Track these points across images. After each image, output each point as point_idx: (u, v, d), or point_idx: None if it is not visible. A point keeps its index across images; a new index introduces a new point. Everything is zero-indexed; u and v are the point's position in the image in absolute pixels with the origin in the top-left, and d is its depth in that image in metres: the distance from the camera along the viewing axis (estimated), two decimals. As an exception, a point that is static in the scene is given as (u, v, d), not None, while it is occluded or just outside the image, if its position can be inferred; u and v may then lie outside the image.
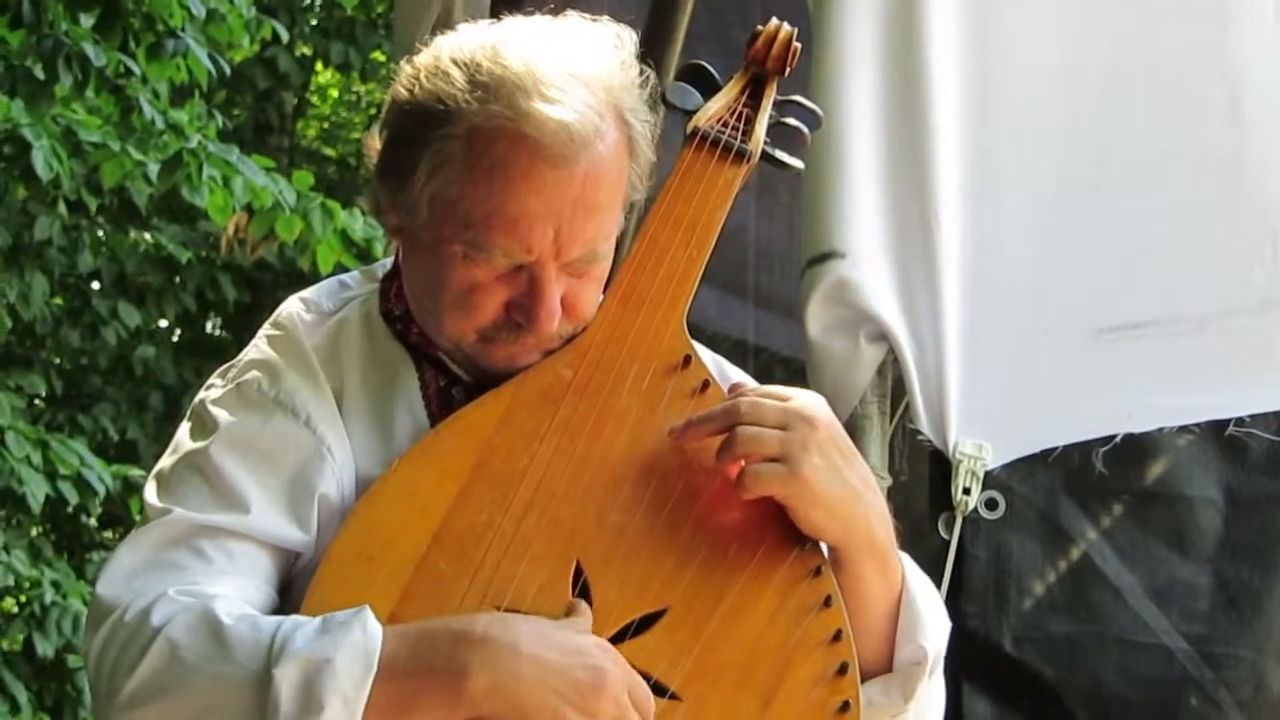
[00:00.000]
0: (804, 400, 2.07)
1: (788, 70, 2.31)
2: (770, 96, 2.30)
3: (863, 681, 2.06)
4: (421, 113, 2.08)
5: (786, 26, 2.31)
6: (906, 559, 2.16)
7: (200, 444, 2.09)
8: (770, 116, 2.29)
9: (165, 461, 2.13)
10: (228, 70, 7.10)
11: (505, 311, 2.09)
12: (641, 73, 2.15)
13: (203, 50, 6.55)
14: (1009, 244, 3.18)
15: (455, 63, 2.07)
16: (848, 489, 2.05)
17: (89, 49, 6.27)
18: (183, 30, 6.46)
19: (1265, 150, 3.20)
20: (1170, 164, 3.21)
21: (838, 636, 2.03)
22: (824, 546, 2.08)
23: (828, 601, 2.04)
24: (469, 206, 2.05)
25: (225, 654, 1.88)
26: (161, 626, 1.90)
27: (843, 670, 2.02)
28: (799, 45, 2.31)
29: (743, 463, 2.03)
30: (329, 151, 12.67)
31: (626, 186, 2.13)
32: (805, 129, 2.31)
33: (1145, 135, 3.21)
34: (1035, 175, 3.21)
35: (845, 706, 2.01)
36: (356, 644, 1.86)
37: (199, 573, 1.98)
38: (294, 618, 1.92)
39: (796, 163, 2.31)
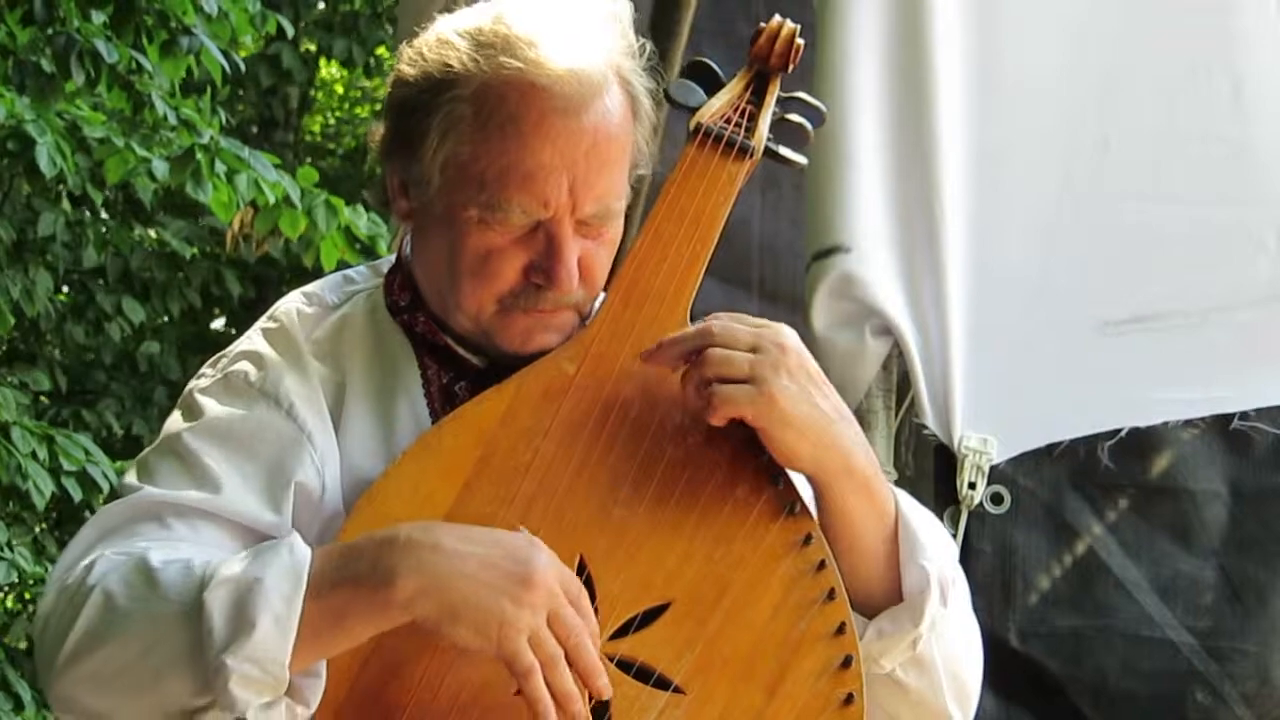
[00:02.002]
0: (775, 327, 2.06)
1: (791, 67, 2.32)
2: (774, 93, 2.31)
3: (874, 616, 2.06)
4: (428, 81, 2.10)
5: (789, 23, 2.31)
6: (902, 493, 2.14)
7: (181, 430, 2.12)
8: (774, 113, 2.30)
9: (151, 448, 2.15)
10: (243, 67, 7.09)
11: (524, 276, 2.09)
12: (640, 44, 2.18)
13: (217, 47, 6.55)
14: (1014, 238, 3.18)
15: (458, 33, 2.11)
16: (818, 413, 2.03)
17: (101, 45, 6.27)
18: (195, 27, 6.46)
19: (1270, 142, 3.21)
20: (1175, 157, 3.21)
21: (841, 629, 2.03)
22: (826, 546, 2.08)
23: (831, 595, 2.04)
24: (483, 166, 2.06)
25: (157, 593, 1.88)
26: (97, 582, 1.91)
27: (846, 663, 2.02)
28: (802, 42, 2.31)
29: (708, 385, 2.03)
30: (334, 148, 12.68)
31: (633, 148, 2.14)
32: (809, 125, 2.31)
33: (1150, 128, 3.21)
34: (1040, 170, 3.21)
35: (849, 699, 2.01)
36: (284, 563, 1.87)
37: (150, 538, 1.99)
38: (225, 556, 1.93)
39: (800, 159, 2.31)
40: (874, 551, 2.08)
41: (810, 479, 2.07)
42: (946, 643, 2.11)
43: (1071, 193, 3.20)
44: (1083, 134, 3.21)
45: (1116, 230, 3.20)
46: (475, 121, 2.07)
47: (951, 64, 3.15)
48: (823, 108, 2.34)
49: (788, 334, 2.06)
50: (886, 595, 2.09)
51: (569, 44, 2.08)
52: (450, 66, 2.08)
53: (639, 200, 2.25)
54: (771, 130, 2.28)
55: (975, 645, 2.19)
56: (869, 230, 3.11)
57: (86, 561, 1.96)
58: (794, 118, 2.31)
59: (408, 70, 2.14)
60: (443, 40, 2.12)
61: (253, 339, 2.19)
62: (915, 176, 3.13)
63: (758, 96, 2.31)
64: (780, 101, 2.31)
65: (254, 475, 2.06)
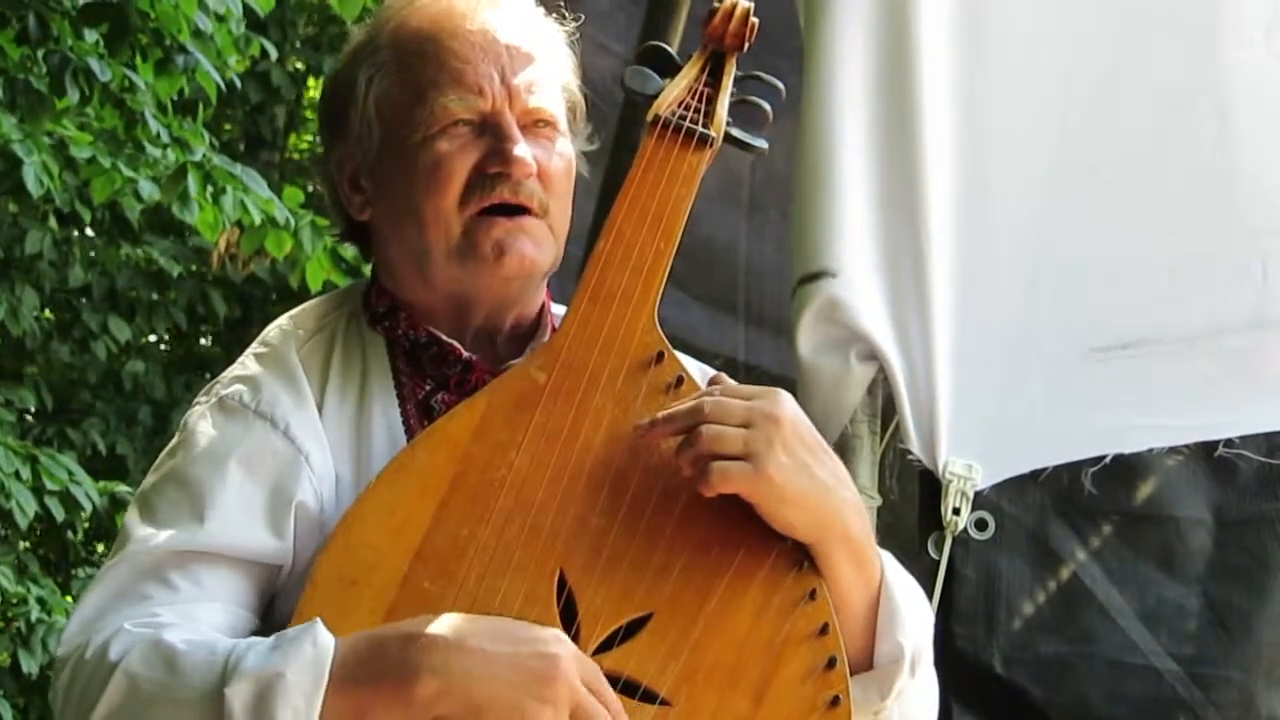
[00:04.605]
0: (769, 398, 2.05)
1: (746, 46, 2.30)
2: (730, 74, 2.29)
3: None
4: (345, 64, 2.23)
5: (743, 2, 2.30)
6: (888, 556, 2.15)
7: (179, 458, 2.11)
8: (732, 94, 2.28)
9: (149, 480, 2.14)
10: (239, 84, 7.09)
11: (479, 171, 2.13)
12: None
13: (212, 65, 6.55)
14: (1000, 264, 3.18)
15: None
16: (816, 484, 2.03)
17: (94, 64, 6.27)
18: (189, 45, 6.47)
19: (1255, 169, 3.21)
20: (1161, 184, 3.21)
21: (824, 630, 2.02)
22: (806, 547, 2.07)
23: (813, 595, 2.03)
24: (415, 86, 2.15)
25: (179, 679, 1.89)
26: (119, 661, 1.91)
27: (831, 664, 2.01)
28: (756, 20, 2.29)
29: (703, 461, 2.02)
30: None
31: (560, 71, 2.21)
32: (768, 106, 2.30)
33: (1136, 155, 3.21)
34: (1026, 196, 3.21)
35: (835, 701, 2.00)
36: (306, 657, 1.87)
37: (161, 603, 1.99)
38: (250, 639, 1.93)
39: (760, 143, 2.29)
40: (855, 617, 2.09)
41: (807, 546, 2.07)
42: (909, 710, 2.14)
43: (1057, 220, 3.20)
44: (1069, 161, 3.21)
45: (1102, 257, 3.20)
46: (397, 60, 2.17)
47: (938, 89, 3.15)
48: (781, 86, 2.32)
49: (783, 403, 2.05)
50: (858, 659, 2.10)
51: None
52: (360, 38, 2.23)
53: (591, 141, 2.24)
54: (730, 113, 2.27)
55: (933, 707, 2.22)
56: (855, 255, 3.10)
57: (102, 639, 1.95)
58: (753, 99, 2.30)
59: (328, 77, 2.29)
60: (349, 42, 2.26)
61: (245, 363, 2.21)
62: (902, 202, 3.13)
63: (714, 79, 2.29)
64: (738, 82, 2.30)
65: (254, 497, 2.07)
